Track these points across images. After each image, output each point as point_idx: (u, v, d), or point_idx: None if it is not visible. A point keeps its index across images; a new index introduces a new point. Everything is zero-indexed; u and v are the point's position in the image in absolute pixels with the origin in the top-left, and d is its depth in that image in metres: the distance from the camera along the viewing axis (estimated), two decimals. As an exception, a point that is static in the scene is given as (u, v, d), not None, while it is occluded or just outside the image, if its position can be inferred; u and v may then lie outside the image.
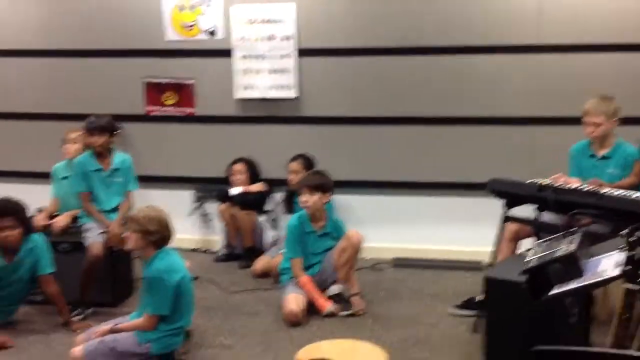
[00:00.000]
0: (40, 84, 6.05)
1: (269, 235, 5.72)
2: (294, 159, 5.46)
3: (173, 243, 3.97)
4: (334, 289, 4.70)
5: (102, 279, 4.63)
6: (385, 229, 5.62)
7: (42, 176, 5.41)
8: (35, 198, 5.02)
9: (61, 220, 4.88)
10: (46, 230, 4.78)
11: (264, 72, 5.64)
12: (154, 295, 3.86)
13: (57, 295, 4.46)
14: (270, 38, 5.58)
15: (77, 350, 3.82)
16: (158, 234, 3.87)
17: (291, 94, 5.63)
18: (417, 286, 5.12)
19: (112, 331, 3.91)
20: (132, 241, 3.91)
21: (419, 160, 5.59)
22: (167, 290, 3.83)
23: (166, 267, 3.86)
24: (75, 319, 4.45)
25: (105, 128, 4.79)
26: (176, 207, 5.67)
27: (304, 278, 4.64)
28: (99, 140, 4.77)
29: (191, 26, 5.69)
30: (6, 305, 4.43)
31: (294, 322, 4.45)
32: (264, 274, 5.27)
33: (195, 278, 5.10)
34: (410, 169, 5.61)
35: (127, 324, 3.94)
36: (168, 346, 3.93)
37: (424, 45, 5.41)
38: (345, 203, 5.51)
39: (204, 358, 4.09)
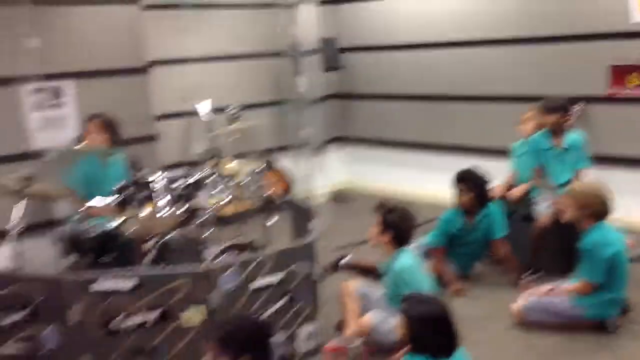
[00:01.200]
0: (508, 69, 6.60)
1: None
2: None
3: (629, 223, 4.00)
4: None
5: (550, 247, 5.03)
6: None
7: (504, 153, 5.97)
8: (500, 172, 5.69)
9: (516, 192, 5.45)
10: (503, 199, 5.40)
11: None
12: (588, 264, 4.16)
13: (507, 256, 5.05)
14: None
15: (518, 305, 4.37)
16: (592, 208, 4.13)
17: None
18: None
19: (551, 292, 4.34)
20: (568, 213, 4.26)
21: None
22: (600, 261, 4.09)
23: (600, 239, 4.11)
24: (524, 279, 4.89)
25: (556, 108, 5.12)
26: (637, 187, 5.72)
27: None
28: (550, 119, 5.14)
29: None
30: (465, 261, 5.19)
31: None
32: None
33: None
34: None
35: (565, 287, 4.31)
36: (601, 314, 4.18)
37: None
38: None
39: (636, 334, 4.17)
